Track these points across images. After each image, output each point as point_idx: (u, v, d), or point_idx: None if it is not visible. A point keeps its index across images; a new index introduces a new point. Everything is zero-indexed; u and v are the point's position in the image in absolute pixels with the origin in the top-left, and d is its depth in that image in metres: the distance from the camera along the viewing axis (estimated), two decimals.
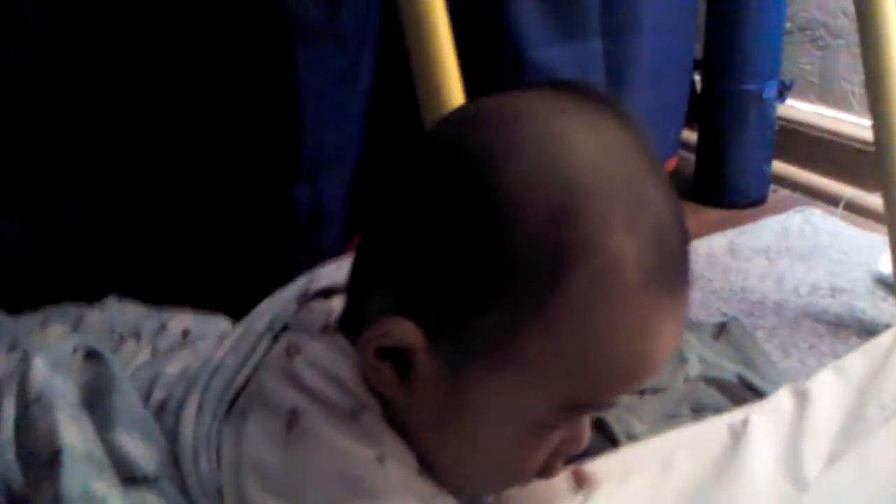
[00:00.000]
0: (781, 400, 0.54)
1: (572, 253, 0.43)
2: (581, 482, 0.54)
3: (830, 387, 0.54)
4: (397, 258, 0.48)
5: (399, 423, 0.48)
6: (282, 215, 0.93)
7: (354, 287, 0.52)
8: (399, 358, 0.47)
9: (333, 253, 0.83)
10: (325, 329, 0.52)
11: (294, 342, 0.51)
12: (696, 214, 1.33)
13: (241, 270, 0.92)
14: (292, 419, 0.47)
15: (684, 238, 0.47)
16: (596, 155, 0.45)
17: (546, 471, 0.51)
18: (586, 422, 0.52)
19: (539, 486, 0.52)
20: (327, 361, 0.49)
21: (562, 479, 0.53)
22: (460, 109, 0.56)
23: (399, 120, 0.86)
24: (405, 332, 0.46)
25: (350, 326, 0.51)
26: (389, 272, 0.48)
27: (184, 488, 0.50)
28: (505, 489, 0.53)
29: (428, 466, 0.48)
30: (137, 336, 0.69)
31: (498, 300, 0.44)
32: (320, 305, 0.54)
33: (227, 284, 0.89)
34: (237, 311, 0.62)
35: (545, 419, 0.48)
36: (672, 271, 0.46)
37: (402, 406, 0.48)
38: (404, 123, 0.80)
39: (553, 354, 0.45)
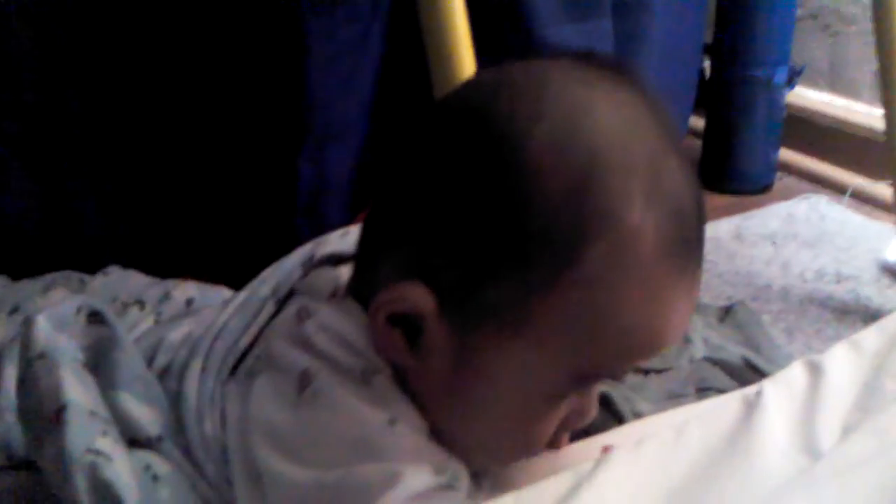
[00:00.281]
0: (795, 373, 0.53)
1: (591, 224, 0.43)
2: None
3: (845, 360, 0.53)
4: (411, 221, 0.47)
5: (409, 389, 0.48)
6: (287, 187, 0.92)
7: (364, 251, 0.51)
8: (409, 324, 0.47)
9: (337, 227, 0.82)
10: (334, 294, 0.51)
11: (305, 306, 0.51)
12: None
13: (245, 242, 0.92)
14: (304, 380, 0.47)
15: (700, 214, 0.47)
16: (618, 127, 0.45)
17: (552, 443, 0.51)
18: (595, 394, 0.51)
19: (561, 454, 0.51)
20: (339, 325, 0.49)
21: (588, 448, 0.53)
22: (483, 75, 0.55)
23: (408, 95, 0.85)
24: (417, 296, 0.45)
25: (359, 291, 0.50)
26: (402, 236, 0.48)
27: (188, 451, 0.49)
28: (513, 461, 0.53)
29: (437, 436, 0.48)
30: (141, 304, 0.69)
31: (513, 267, 0.44)
32: (327, 272, 0.54)
33: (230, 256, 0.89)
34: (240, 283, 0.61)
35: (554, 389, 0.47)
36: (688, 247, 0.46)
37: (412, 373, 0.48)
38: (414, 98, 0.79)
39: (565, 324, 0.44)
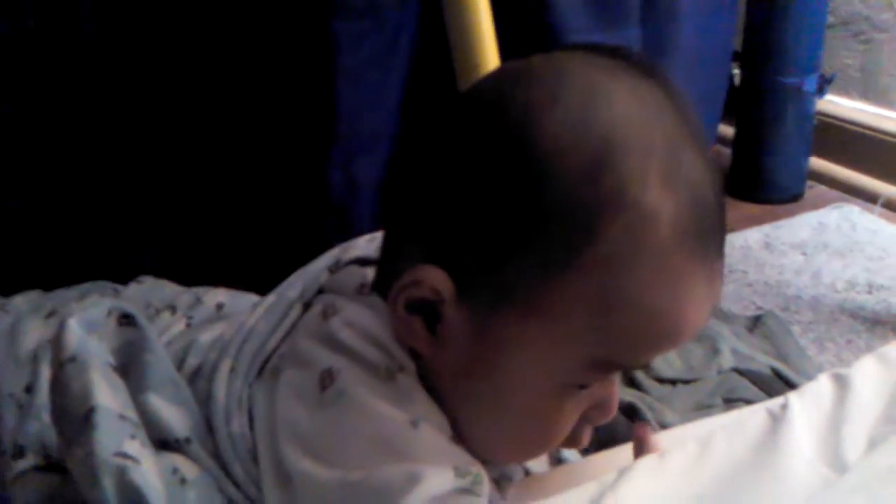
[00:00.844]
0: (821, 385, 0.53)
1: (607, 204, 0.43)
2: (643, 447, 0.53)
3: (872, 373, 0.53)
4: (429, 210, 0.47)
5: (431, 386, 0.48)
6: (316, 195, 0.93)
7: (386, 247, 0.52)
8: (428, 312, 0.47)
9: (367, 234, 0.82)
10: (361, 290, 0.52)
11: (331, 303, 0.51)
12: (731, 208, 1.29)
13: (276, 249, 0.92)
14: (326, 379, 0.47)
15: (720, 202, 0.46)
16: (636, 111, 0.45)
17: (573, 439, 0.51)
18: (615, 388, 0.51)
19: (585, 464, 0.51)
20: (364, 321, 0.49)
21: (612, 459, 0.52)
22: (505, 65, 0.55)
23: (438, 104, 0.85)
24: (436, 279, 0.46)
25: (383, 287, 0.50)
26: (420, 227, 0.48)
27: (216, 453, 0.50)
28: (533, 456, 0.52)
29: (458, 434, 0.48)
30: (173, 309, 0.69)
31: (531, 249, 0.44)
32: (354, 270, 0.54)
33: (261, 263, 0.90)
34: (271, 290, 0.62)
35: (573, 376, 0.47)
36: (707, 233, 0.45)
37: (432, 363, 0.48)
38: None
39: (582, 307, 0.44)
